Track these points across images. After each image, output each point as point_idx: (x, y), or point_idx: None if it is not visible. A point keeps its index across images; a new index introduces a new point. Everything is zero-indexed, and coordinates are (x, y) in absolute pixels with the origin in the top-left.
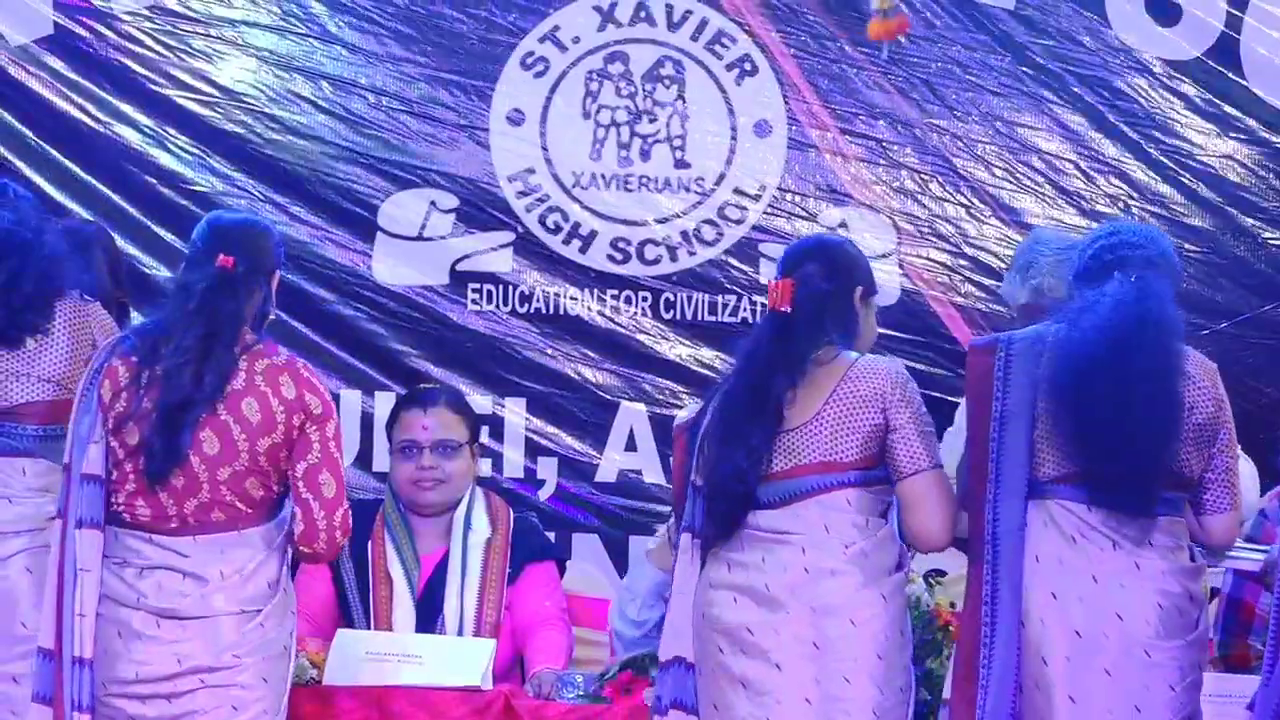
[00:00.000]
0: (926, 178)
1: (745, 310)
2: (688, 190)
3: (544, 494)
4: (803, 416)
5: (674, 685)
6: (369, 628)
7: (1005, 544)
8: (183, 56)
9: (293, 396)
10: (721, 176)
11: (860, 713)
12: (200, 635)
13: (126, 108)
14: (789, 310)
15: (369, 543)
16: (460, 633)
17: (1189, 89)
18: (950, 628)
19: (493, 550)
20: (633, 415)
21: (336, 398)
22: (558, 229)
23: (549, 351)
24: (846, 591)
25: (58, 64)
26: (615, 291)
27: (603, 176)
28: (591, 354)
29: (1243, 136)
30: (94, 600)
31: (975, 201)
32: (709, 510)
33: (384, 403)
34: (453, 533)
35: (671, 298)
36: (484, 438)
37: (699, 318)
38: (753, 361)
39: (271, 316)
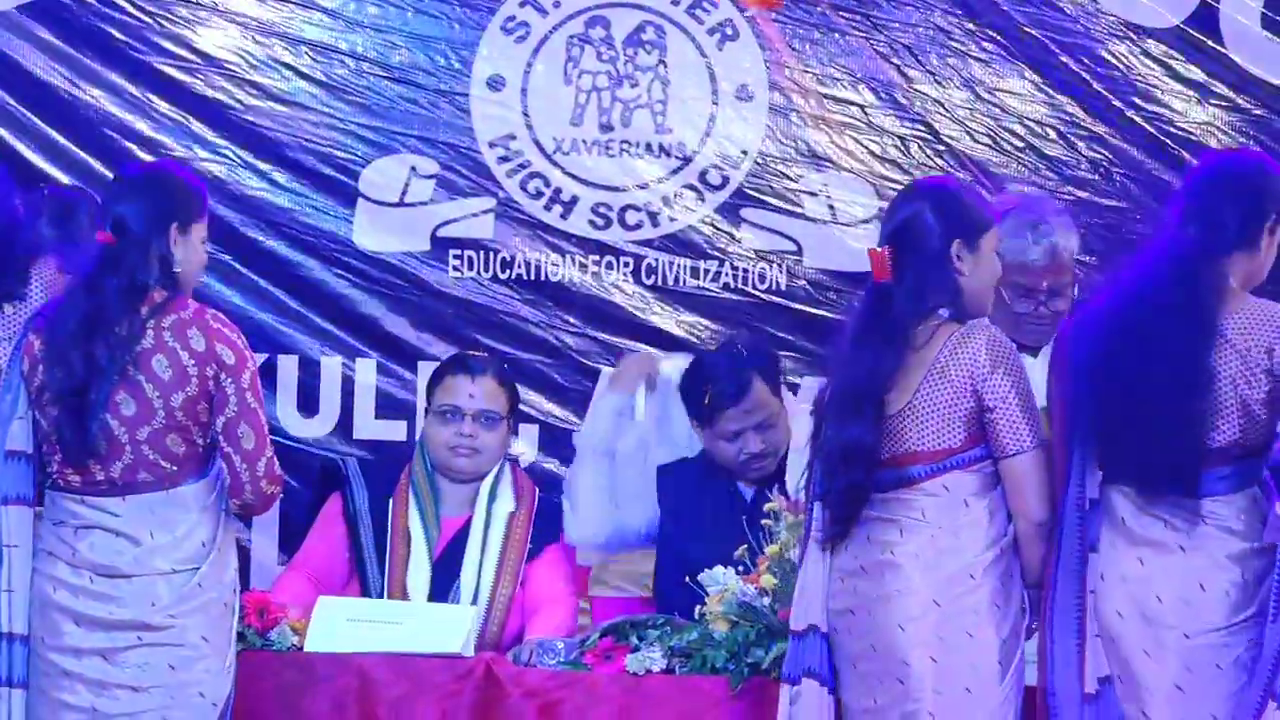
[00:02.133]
0: (908, 143)
1: (727, 275)
2: (669, 155)
3: (524, 462)
4: (900, 402)
5: (806, 654)
6: (384, 587)
7: (1066, 523)
8: (163, 23)
9: (202, 349)
10: (703, 142)
11: (947, 693)
12: (136, 593)
13: (108, 74)
14: (889, 281)
15: (390, 502)
16: (475, 602)
17: (1169, 56)
18: None
19: (515, 524)
20: None
21: (316, 364)
22: (539, 194)
23: (530, 318)
24: (934, 576)
25: (39, 30)
26: (596, 257)
27: (584, 142)
28: (572, 320)
29: (1222, 104)
30: (24, 575)
31: (957, 167)
32: (829, 510)
33: (364, 369)
34: (477, 501)
35: (653, 263)
36: None
37: (680, 283)
38: (855, 342)
39: (181, 270)
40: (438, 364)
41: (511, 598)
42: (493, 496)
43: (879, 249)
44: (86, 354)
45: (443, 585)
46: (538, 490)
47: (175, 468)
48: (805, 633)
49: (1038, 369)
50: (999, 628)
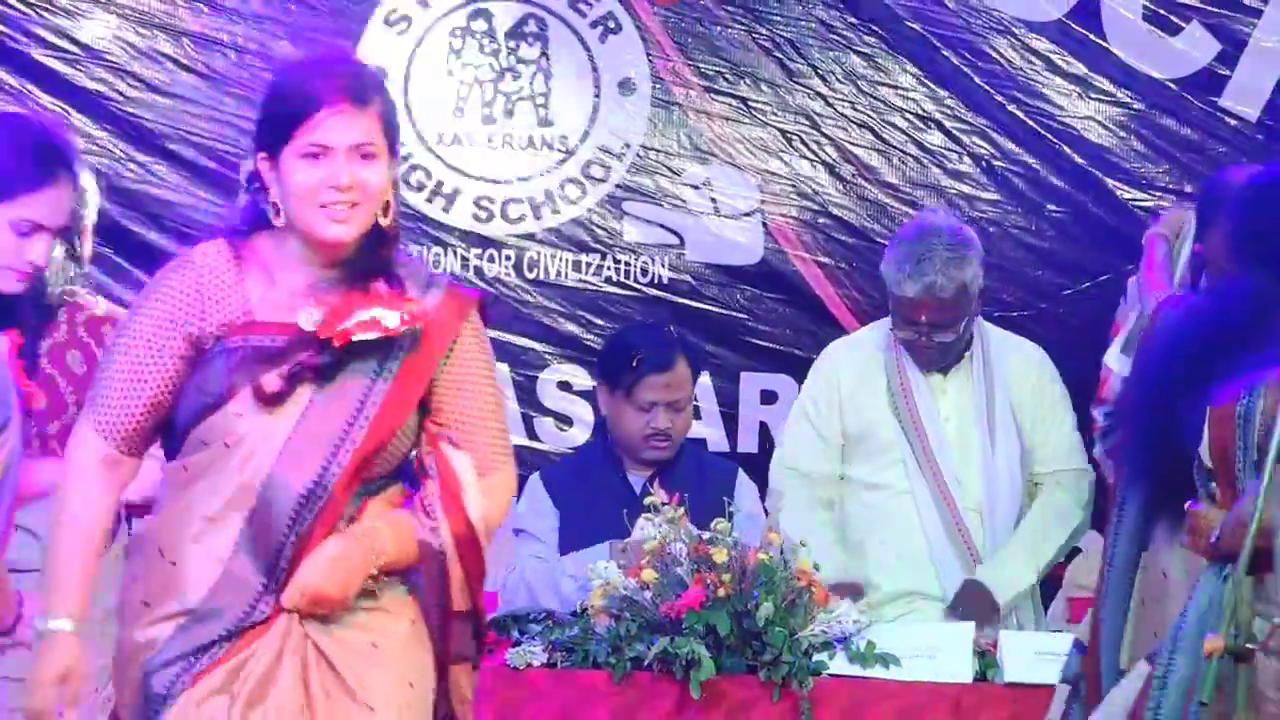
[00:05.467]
0: (790, 136)
1: (609, 269)
2: (551, 148)
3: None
4: None
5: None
6: None
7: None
8: (44, 14)
9: None
10: (585, 134)
11: None
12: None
13: None
14: None
15: None
16: None
17: (1050, 51)
18: (813, 588)
19: None
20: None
21: None
22: (421, 187)
23: None
24: None
25: None
26: (479, 250)
27: (466, 134)
28: None
29: (1104, 98)
30: None
31: (839, 161)
32: None
33: None
34: None
35: (535, 256)
36: None
37: (563, 276)
38: None
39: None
40: None
41: None
42: None
43: None
44: None
45: None
46: None
47: None
48: None
49: (949, 388)
50: None
